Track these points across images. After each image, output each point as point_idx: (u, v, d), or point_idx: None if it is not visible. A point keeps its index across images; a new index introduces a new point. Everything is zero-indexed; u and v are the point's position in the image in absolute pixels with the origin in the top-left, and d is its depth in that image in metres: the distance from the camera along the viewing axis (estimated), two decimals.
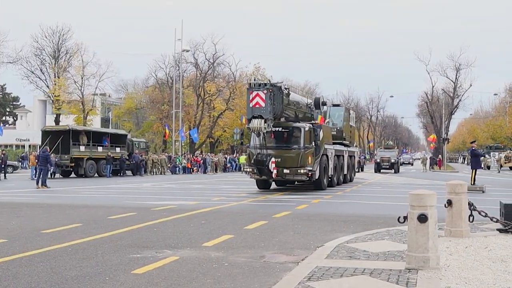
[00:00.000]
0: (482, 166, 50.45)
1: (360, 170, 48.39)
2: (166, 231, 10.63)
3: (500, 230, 9.85)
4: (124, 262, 7.73)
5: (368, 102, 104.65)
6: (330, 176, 24.95)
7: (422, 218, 6.67)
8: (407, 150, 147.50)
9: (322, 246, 8.69)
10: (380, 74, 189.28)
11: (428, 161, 60.26)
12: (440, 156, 64.93)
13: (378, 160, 52.01)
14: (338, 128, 28.77)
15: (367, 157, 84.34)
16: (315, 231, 10.82)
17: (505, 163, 53.99)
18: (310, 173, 21.88)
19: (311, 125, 22.71)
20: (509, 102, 76.18)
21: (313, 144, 22.15)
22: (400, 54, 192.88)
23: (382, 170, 50.88)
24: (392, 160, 50.55)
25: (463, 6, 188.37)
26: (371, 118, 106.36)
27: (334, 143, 26.32)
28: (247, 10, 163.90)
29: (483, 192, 21.89)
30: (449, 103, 73.36)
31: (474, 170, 24.09)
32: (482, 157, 32.14)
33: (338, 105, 32.04)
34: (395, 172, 49.11)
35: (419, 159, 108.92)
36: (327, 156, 24.14)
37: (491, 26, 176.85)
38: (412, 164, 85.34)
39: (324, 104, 26.35)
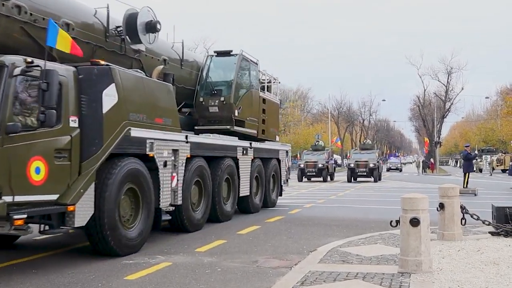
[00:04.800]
0: (474, 169, 50.68)
1: (330, 179, 38.44)
2: (158, 237, 10.60)
3: (492, 233, 9.89)
4: (117, 268, 7.72)
5: (360, 106, 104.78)
6: (168, 206, 10.39)
7: (415, 222, 6.70)
8: (399, 154, 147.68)
9: (315, 251, 8.70)
10: (372, 78, 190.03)
11: (421, 164, 60.53)
12: (432, 159, 65.12)
13: (352, 165, 37.54)
14: (223, 99, 13.84)
15: None
16: (308, 235, 10.83)
17: (497, 165, 54.36)
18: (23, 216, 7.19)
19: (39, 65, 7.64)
20: (500, 105, 76.49)
21: (48, 124, 7.62)
22: (392, 58, 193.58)
23: (358, 178, 37.84)
24: (371, 165, 36.83)
25: (456, 9, 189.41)
26: (363, 122, 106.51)
27: (200, 131, 13.38)
28: (238, 13, 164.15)
29: (475, 195, 21.98)
30: (441, 106, 73.67)
31: (467, 174, 24.13)
32: (475, 160, 31.69)
33: (227, 53, 14.94)
34: (374, 181, 36.77)
35: (410, 163, 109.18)
36: (147, 160, 9.67)
37: (482, 29, 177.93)
38: (400, 170, 69.21)
39: (153, 29, 11.05)
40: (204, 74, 14.35)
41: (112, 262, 8.12)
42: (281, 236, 10.73)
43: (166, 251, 9.09)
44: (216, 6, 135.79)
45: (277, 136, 17.75)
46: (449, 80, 72.18)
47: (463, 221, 9.66)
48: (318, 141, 42.50)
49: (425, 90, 76.09)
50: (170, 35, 13.54)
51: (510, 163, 30.24)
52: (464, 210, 9.56)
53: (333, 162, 43.05)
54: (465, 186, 23.14)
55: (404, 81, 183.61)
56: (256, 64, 15.83)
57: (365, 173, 36.89)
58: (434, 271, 6.78)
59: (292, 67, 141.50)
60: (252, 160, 14.87)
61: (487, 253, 8.11)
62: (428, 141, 70.64)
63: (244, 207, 15.04)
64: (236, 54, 14.69)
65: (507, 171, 51.64)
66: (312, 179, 37.94)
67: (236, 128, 14.07)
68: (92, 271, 7.52)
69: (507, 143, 65.21)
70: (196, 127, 13.71)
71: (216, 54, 14.99)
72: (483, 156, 61.45)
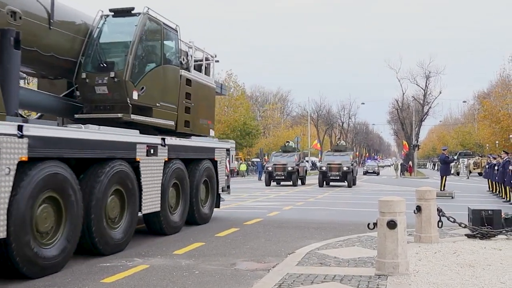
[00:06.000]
0: (452, 172, 51.18)
1: (301, 183, 35.70)
2: (136, 239, 10.51)
3: (468, 236, 10.00)
4: (94, 271, 7.65)
5: (340, 109, 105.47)
6: None
7: (392, 224, 6.74)
8: (378, 157, 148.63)
9: (293, 253, 8.71)
10: (352, 82, 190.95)
11: (399, 167, 61.00)
12: (410, 162, 65.67)
13: (324, 168, 33.48)
14: (114, 75, 9.73)
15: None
16: (287, 238, 10.84)
17: (474, 169, 54.94)
18: None
19: None
20: (477, 109, 77.52)
21: None
22: (372, 61, 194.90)
23: (331, 183, 34.12)
24: (345, 168, 32.69)
25: (433, 15, 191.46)
26: (342, 125, 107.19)
27: (82, 121, 9.84)
28: (217, 17, 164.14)
29: (452, 198, 22.21)
30: (419, 110, 74.32)
31: (444, 177, 24.38)
32: (452, 163, 31.80)
33: (127, 12, 10.55)
34: (348, 186, 32.86)
35: (389, 165, 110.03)
36: None
37: (460, 35, 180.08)
38: (378, 174, 65.78)
39: None
40: (92, 40, 10.20)
41: (89, 265, 8.05)
42: (259, 239, 10.73)
43: (143, 253, 9.04)
44: (193, 11, 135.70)
45: (211, 130, 13.68)
46: (427, 84, 72.92)
47: (440, 223, 9.77)
48: (289, 142, 38.90)
49: (403, 94, 76.78)
50: None
51: (486, 166, 30.51)
52: (440, 213, 9.66)
53: (305, 165, 39.99)
54: (442, 189, 23.37)
55: (379, 88, 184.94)
56: (176, 31, 11.56)
57: (338, 177, 33.08)
58: (410, 273, 6.84)
59: (269, 73, 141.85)
60: (167, 162, 10.86)
61: (463, 256, 8.19)
62: (406, 144, 71.23)
63: (154, 226, 11.04)
64: (142, 15, 10.41)
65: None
66: (282, 183, 34.81)
67: (134, 117, 10.04)
68: (69, 273, 7.44)
69: (484, 146, 66.11)
70: (76, 116, 10.16)
71: (112, 13, 10.62)
72: (460, 160, 62.07)
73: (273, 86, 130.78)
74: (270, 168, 34.07)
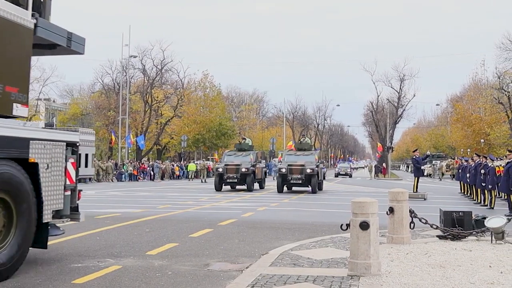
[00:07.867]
0: (425, 174, 51.76)
1: (259, 187, 30.50)
2: (109, 240, 10.46)
3: (439, 237, 10.12)
4: (65, 271, 7.56)
5: (315, 110, 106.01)
6: None
7: (364, 226, 6.79)
8: (353, 159, 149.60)
9: (266, 254, 8.72)
10: (327, 84, 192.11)
11: (373, 169, 61.54)
12: (384, 164, 66.28)
13: (284, 170, 27.29)
14: None
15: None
16: (260, 238, 10.86)
17: (447, 171, 55.66)
18: None
19: None
20: (450, 113, 78.52)
21: None
22: (347, 64, 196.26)
23: (293, 188, 29.03)
24: (308, 170, 26.73)
25: (408, 20, 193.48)
26: (318, 126, 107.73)
27: None
28: (196, 17, 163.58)
29: (424, 199, 22.46)
30: (393, 112, 75.06)
31: (416, 178, 24.67)
32: (426, 160, 31.91)
33: None
34: (313, 191, 27.13)
35: (363, 167, 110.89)
36: None
37: (434, 39, 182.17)
38: (350, 176, 62.96)
39: None
40: None
41: (60, 265, 7.96)
42: (233, 239, 10.72)
43: (116, 254, 8.96)
44: (172, 10, 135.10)
45: (19, 106, 7.32)
46: (401, 86, 73.67)
47: (412, 225, 9.88)
48: (245, 139, 32.78)
49: (378, 96, 77.47)
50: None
51: (457, 169, 30.93)
52: (413, 214, 9.76)
53: (264, 165, 34.74)
54: (415, 190, 23.62)
55: (354, 90, 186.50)
56: None
57: (301, 181, 27.29)
58: (382, 274, 6.89)
59: (245, 74, 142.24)
60: None
61: (434, 256, 8.29)
62: (381, 146, 71.90)
63: None
64: None
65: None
66: (237, 187, 29.85)
67: None
68: (39, 274, 7.34)
69: (456, 149, 67.02)
70: None
71: None
72: (433, 162, 62.86)
73: (250, 88, 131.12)
74: (220, 170, 28.60)
